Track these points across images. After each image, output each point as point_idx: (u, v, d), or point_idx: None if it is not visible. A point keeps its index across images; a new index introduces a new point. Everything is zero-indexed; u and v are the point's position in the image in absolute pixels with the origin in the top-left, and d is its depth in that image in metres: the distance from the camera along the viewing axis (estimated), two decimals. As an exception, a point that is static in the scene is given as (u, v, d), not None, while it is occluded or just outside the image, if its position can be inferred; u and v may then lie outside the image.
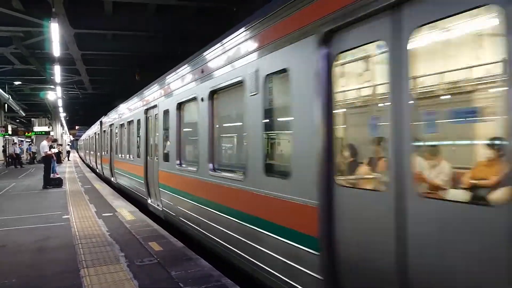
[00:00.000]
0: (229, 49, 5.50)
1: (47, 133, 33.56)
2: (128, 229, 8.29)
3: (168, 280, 5.20)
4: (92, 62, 21.00)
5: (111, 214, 10.12)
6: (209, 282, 5.08)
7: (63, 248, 6.90)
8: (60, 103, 32.89)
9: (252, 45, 4.81)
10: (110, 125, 17.84)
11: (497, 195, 2.57)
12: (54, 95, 29.50)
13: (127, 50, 18.20)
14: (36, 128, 39.75)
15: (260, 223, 4.55)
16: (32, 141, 44.31)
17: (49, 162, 17.11)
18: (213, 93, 6.17)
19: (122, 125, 14.75)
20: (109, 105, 22.73)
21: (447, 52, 3.84)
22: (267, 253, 4.38)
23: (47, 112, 41.30)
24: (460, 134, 3.60)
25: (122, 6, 14.03)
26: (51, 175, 17.25)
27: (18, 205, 11.98)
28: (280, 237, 4.10)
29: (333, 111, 3.48)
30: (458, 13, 2.47)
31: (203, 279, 5.19)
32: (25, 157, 41.51)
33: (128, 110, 13.87)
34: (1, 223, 9.17)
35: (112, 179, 17.22)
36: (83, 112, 48.01)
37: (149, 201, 10.57)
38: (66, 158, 45.07)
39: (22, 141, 50.90)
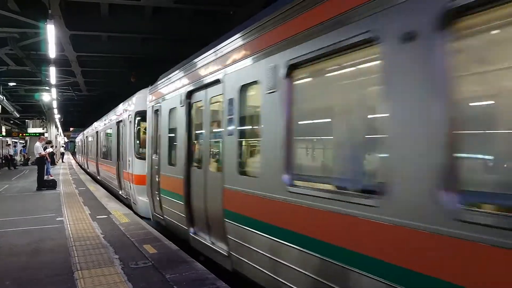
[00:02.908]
0: None
1: (42, 134, 33.37)
2: (123, 231, 8.28)
3: (162, 283, 5.20)
4: (87, 64, 20.92)
5: (106, 216, 10.09)
6: (204, 285, 5.08)
7: (57, 251, 6.88)
8: (54, 104, 32.76)
9: None
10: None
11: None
12: (49, 97, 29.37)
13: (122, 52, 18.14)
14: (31, 130, 39.55)
15: None
16: (26, 142, 44.11)
17: (43, 163, 17.03)
18: None
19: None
20: (104, 107, 22.67)
21: None
22: None
23: (41, 114, 41.09)
24: None
25: (118, 8, 14.00)
26: (45, 177, 17.17)
27: (11, 207, 11.92)
28: None
29: None
30: None
31: (198, 282, 5.19)
32: (18, 158, 41.31)
33: None
34: (-5, 225, 9.13)
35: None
36: (78, 114, 47.81)
37: None
38: (60, 160, 44.91)
39: (16, 142, 50.58)
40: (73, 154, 70.91)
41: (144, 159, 10.26)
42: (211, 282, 5.20)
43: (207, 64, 6.18)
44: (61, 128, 58.01)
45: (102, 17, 14.22)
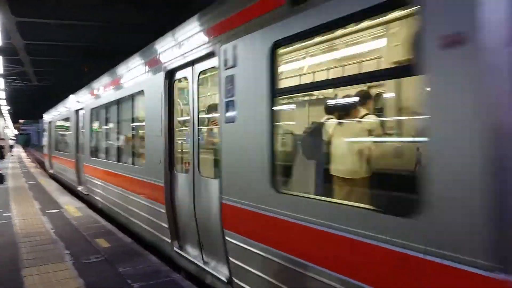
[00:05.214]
0: None
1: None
2: (75, 226, 8.03)
3: (115, 277, 5.08)
4: (37, 53, 20.03)
5: (57, 210, 9.75)
6: (158, 278, 5.02)
7: (3, 248, 6.56)
8: (3, 95, 31.15)
9: None
10: None
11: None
12: (-4, 87, 27.92)
13: (75, 41, 17.51)
14: (-24, 122, 37.46)
15: None
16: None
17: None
18: None
19: None
20: (56, 98, 21.86)
21: None
22: None
23: (-12, 105, 39.04)
24: None
25: (67, -6, 13.44)
26: (-8, 171, 16.35)
27: (-46, 203, 11.26)
28: None
29: None
30: None
31: (152, 275, 5.12)
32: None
33: None
34: None
35: None
36: (29, 105, 45.68)
37: None
38: (9, 153, 43.00)
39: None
40: (24, 147, 68.03)
41: None
42: (166, 274, 5.14)
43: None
44: (11, 120, 55.37)
45: (51, 3, 13.61)
